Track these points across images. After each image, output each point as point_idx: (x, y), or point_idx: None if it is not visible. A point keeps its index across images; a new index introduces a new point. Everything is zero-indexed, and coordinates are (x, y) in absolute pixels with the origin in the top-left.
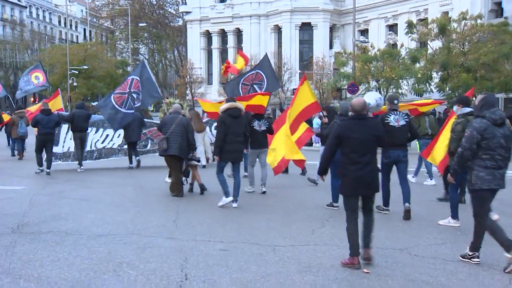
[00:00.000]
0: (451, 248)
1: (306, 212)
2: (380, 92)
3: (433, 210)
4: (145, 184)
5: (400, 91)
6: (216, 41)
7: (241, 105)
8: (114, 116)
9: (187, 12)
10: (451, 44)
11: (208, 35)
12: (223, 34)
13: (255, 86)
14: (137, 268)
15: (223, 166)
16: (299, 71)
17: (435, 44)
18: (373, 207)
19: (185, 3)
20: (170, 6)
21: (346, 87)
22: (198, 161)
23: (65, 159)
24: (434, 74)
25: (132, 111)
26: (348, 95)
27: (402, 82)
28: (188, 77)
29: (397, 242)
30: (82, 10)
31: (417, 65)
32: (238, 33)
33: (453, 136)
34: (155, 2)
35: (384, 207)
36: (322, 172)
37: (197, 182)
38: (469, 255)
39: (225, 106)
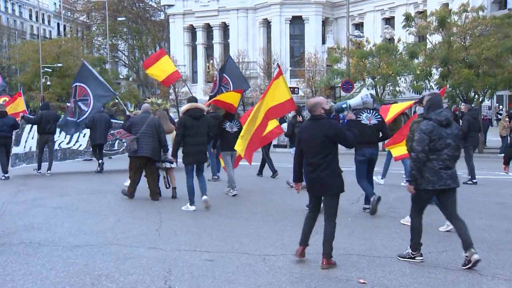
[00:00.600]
0: (453, 256)
1: (297, 219)
2: (376, 90)
3: (432, 217)
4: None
5: (397, 88)
6: (200, 37)
7: (203, 105)
8: (75, 127)
9: (170, 6)
10: (451, 38)
11: (192, 30)
12: (208, 29)
13: (222, 88)
14: (117, 281)
15: (190, 170)
16: (290, 68)
17: (434, 38)
18: (333, 211)
19: None
20: None
21: (340, 85)
22: (171, 162)
23: (29, 161)
24: (434, 70)
25: (80, 119)
26: (343, 93)
27: (400, 79)
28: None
29: (395, 250)
30: (55, 3)
31: (416, 60)
32: (225, 27)
33: (409, 135)
34: None
35: (365, 206)
36: (296, 179)
37: (171, 185)
38: (412, 254)
39: (185, 107)
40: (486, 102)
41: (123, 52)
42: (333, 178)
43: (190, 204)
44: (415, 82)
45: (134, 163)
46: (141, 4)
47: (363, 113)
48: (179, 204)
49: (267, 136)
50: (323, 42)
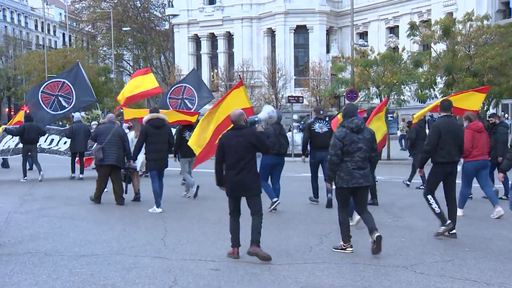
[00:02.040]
0: (459, 265)
1: (302, 227)
2: (381, 99)
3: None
4: (130, 200)
5: (402, 97)
6: (205, 46)
7: (164, 115)
8: (42, 115)
9: (174, 15)
10: (456, 47)
11: (196, 39)
12: (212, 38)
13: (186, 101)
14: None
15: (153, 175)
16: (294, 77)
17: (439, 47)
18: (258, 208)
19: (172, 6)
20: (156, 9)
21: (344, 94)
22: (135, 169)
23: (4, 154)
24: (438, 79)
25: (58, 112)
26: (347, 102)
27: (404, 87)
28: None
29: (400, 259)
30: (60, 14)
31: (420, 69)
32: (229, 37)
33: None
34: (140, 5)
35: (314, 199)
36: (220, 183)
37: (133, 189)
38: (344, 246)
39: (147, 117)
40: (491, 111)
41: (128, 62)
42: (255, 180)
43: (157, 207)
44: (419, 90)
45: (100, 171)
46: (146, 14)
47: (316, 123)
48: (184, 214)
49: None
50: (328, 51)
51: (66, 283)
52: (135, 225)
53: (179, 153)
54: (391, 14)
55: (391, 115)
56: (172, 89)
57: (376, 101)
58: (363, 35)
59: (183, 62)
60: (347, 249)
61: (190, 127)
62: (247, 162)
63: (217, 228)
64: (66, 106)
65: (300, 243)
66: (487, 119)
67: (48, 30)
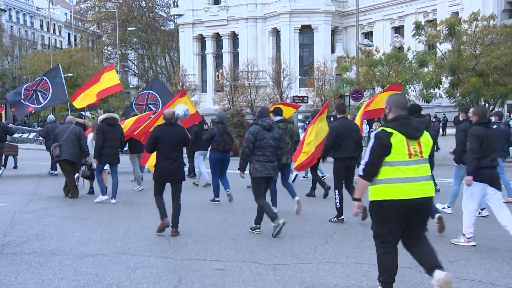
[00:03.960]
0: (464, 266)
1: (307, 227)
2: None
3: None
4: (135, 200)
5: (407, 97)
6: (210, 46)
7: (117, 115)
8: (20, 105)
9: (179, 15)
10: (461, 46)
11: (201, 39)
12: (217, 38)
13: (150, 105)
14: None
15: (101, 167)
16: (299, 77)
17: (444, 47)
18: (180, 192)
19: (177, 6)
20: (161, 8)
21: (349, 93)
22: (90, 165)
23: None
24: (444, 79)
25: (34, 105)
26: (352, 102)
27: (409, 87)
28: (180, 84)
29: (405, 260)
30: (66, 14)
31: (425, 69)
32: (234, 37)
33: None
34: (145, 5)
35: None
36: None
37: (89, 184)
38: (253, 227)
39: (102, 116)
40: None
41: (133, 61)
42: (183, 169)
43: (102, 195)
44: (424, 90)
45: (62, 167)
46: (150, 14)
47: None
48: (189, 214)
49: None
50: (333, 51)
51: (71, 283)
52: (140, 224)
53: (129, 148)
54: (396, 14)
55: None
56: (138, 96)
57: None
58: (368, 35)
59: (188, 62)
60: (255, 230)
61: None
62: (179, 153)
63: (222, 228)
64: (42, 101)
65: (305, 243)
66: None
67: (54, 30)
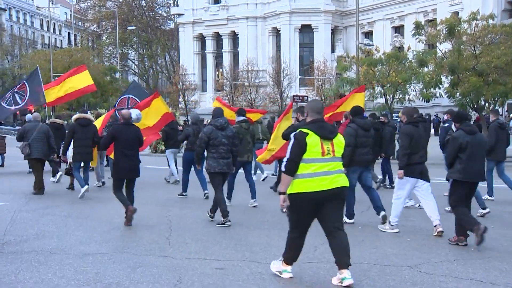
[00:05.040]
0: (464, 265)
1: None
2: (386, 99)
3: (443, 224)
4: (135, 199)
5: (407, 96)
6: (210, 45)
7: (90, 116)
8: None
9: (179, 15)
10: (461, 46)
11: (201, 38)
12: (217, 37)
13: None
14: None
15: (78, 166)
16: (299, 76)
17: (444, 47)
18: (134, 185)
19: (177, 5)
20: (161, 8)
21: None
22: (56, 162)
23: None
24: (444, 79)
25: (12, 107)
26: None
27: (409, 87)
28: (180, 84)
29: (405, 259)
30: (66, 13)
31: (425, 69)
32: (234, 36)
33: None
34: (145, 4)
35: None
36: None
37: (70, 180)
38: (209, 213)
39: (75, 116)
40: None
41: (133, 61)
42: (139, 166)
43: (82, 186)
44: (424, 90)
45: (32, 164)
46: (151, 14)
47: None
48: (189, 213)
49: (147, 141)
50: (333, 50)
51: (71, 281)
52: (140, 224)
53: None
54: (396, 14)
55: (396, 114)
56: (118, 101)
57: (381, 100)
58: (368, 34)
59: (188, 61)
60: (210, 215)
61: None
62: (135, 151)
63: (222, 227)
64: (20, 102)
65: (305, 243)
66: (380, 118)
67: (54, 29)
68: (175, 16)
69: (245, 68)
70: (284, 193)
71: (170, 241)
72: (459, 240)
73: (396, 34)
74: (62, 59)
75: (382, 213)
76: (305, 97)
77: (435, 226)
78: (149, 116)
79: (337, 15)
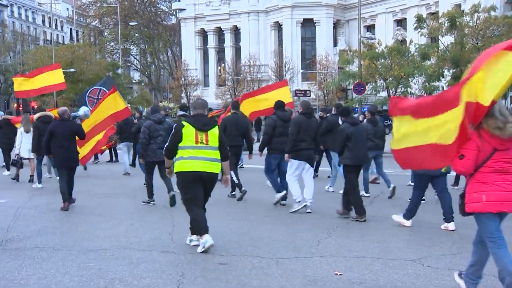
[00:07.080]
0: (467, 258)
1: (310, 221)
2: (388, 92)
3: (424, 216)
4: (138, 194)
5: (409, 90)
6: (212, 40)
7: (51, 113)
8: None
9: (181, 10)
10: (463, 39)
11: (203, 33)
12: (219, 32)
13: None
14: (130, 285)
15: (41, 159)
16: (301, 71)
17: (446, 40)
18: (73, 174)
19: (179, 0)
20: (162, 3)
21: (352, 87)
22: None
23: None
24: (446, 72)
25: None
26: (354, 95)
27: (412, 80)
28: (183, 79)
29: (408, 253)
30: (68, 9)
31: (428, 62)
32: (236, 31)
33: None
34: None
35: (149, 200)
36: (42, 152)
37: (31, 172)
38: (147, 200)
39: (37, 114)
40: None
41: (135, 56)
42: (77, 156)
43: (38, 183)
44: (427, 83)
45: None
46: (152, 9)
47: None
48: None
49: (101, 141)
50: (335, 44)
51: (74, 277)
52: (142, 219)
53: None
54: (398, 7)
55: None
56: (91, 89)
57: (383, 93)
58: (371, 28)
59: (190, 56)
60: (150, 202)
61: None
62: (70, 143)
63: (224, 222)
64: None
65: (307, 237)
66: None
67: (56, 25)
68: (177, 11)
69: (247, 63)
70: (169, 168)
71: (173, 237)
72: (344, 213)
73: (398, 27)
74: (64, 55)
75: (284, 192)
76: (307, 91)
77: (298, 202)
78: (102, 111)
79: (339, 8)
